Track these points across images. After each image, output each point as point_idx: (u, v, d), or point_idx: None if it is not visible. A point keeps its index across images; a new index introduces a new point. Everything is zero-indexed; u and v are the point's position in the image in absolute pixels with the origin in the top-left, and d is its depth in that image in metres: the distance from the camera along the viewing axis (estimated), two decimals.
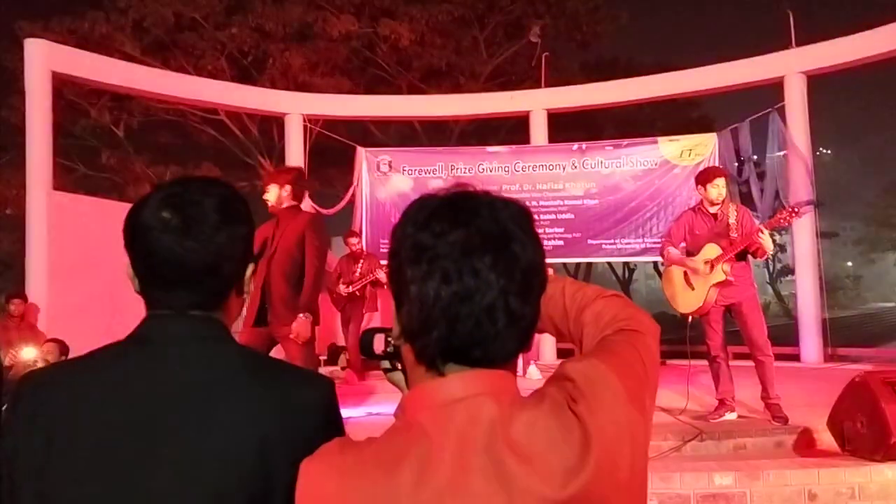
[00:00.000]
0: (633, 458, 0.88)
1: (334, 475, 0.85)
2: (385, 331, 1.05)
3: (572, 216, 10.23)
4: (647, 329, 1.05)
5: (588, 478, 0.82)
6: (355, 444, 0.88)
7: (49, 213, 8.11)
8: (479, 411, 0.84)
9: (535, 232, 0.92)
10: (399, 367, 1.01)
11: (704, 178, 5.45)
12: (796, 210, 5.29)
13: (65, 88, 11.51)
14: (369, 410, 6.11)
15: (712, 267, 5.18)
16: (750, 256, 5.31)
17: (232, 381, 1.07)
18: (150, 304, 1.13)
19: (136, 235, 1.11)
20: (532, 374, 7.72)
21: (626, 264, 26.19)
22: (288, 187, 4.73)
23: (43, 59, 8.50)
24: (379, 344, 1.06)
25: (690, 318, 5.46)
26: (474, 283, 0.84)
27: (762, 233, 5.03)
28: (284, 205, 4.74)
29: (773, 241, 5.60)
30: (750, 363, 5.28)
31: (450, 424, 0.84)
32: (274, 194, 4.73)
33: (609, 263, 24.35)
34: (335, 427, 1.14)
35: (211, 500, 1.01)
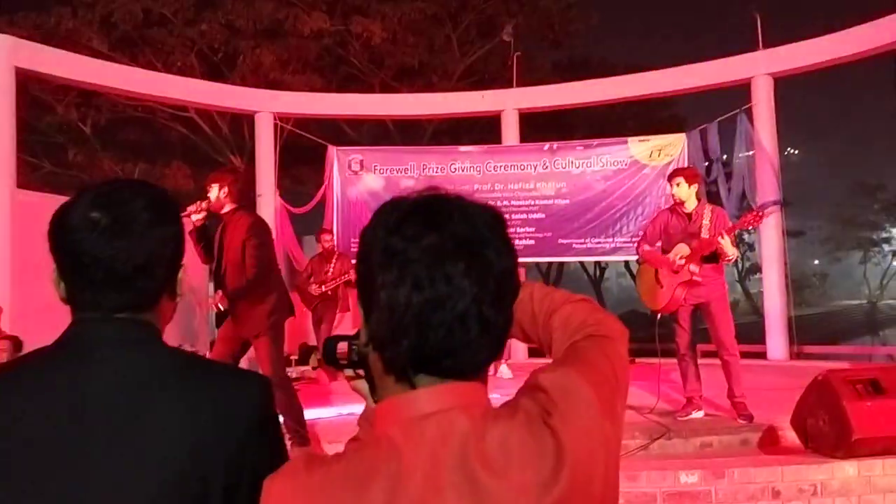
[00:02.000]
0: (606, 469, 0.87)
1: (301, 494, 0.82)
2: (349, 338, 1.02)
3: (543, 216, 10.27)
4: (617, 334, 1.04)
5: (562, 491, 0.81)
6: (322, 459, 0.85)
7: (13, 211, 7.97)
8: (451, 426, 0.82)
9: (508, 237, 0.90)
10: (363, 375, 0.99)
11: (670, 177, 5.56)
12: (760, 213, 5.36)
13: (30, 84, 11.30)
14: (340, 411, 6.09)
15: (681, 266, 5.25)
16: (723, 260, 5.37)
17: (162, 384, 1.06)
18: (77, 308, 1.10)
19: (63, 237, 1.08)
20: (503, 374, 7.74)
21: (597, 263, 26.35)
22: (225, 189, 4.75)
23: (7, 55, 8.34)
24: (343, 352, 1.04)
25: (659, 315, 5.53)
26: (447, 290, 0.82)
27: (722, 238, 5.09)
28: (226, 207, 4.78)
29: (742, 239, 5.68)
30: (718, 361, 5.34)
31: (421, 440, 0.82)
32: (213, 195, 4.76)
33: (581, 262, 24.50)
34: (270, 425, 1.13)
35: None
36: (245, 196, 4.84)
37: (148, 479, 1.00)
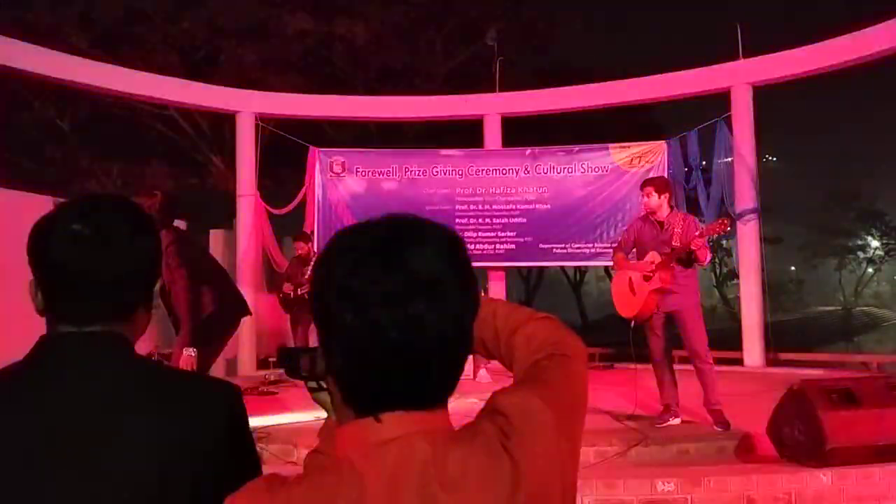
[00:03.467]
0: (563, 489, 0.89)
1: None
2: (310, 351, 1.01)
3: (524, 220, 10.30)
4: (576, 353, 1.05)
5: None
6: (283, 481, 0.85)
7: None
8: (412, 451, 0.83)
9: (467, 264, 0.90)
10: (325, 387, 0.98)
11: (641, 187, 5.66)
12: (725, 221, 5.40)
13: (8, 80, 11.15)
14: (318, 415, 6.05)
15: (652, 274, 5.31)
16: (696, 264, 5.44)
17: (130, 401, 1.07)
18: (53, 319, 1.12)
19: (45, 248, 1.10)
20: (483, 378, 7.75)
21: (577, 268, 26.46)
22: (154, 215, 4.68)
23: None
24: (305, 364, 1.03)
25: (633, 322, 5.59)
26: (408, 333, 0.82)
27: (698, 239, 5.15)
28: None
29: (720, 245, 5.76)
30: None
31: (382, 465, 0.82)
32: None
33: (561, 267, 24.60)
34: (240, 432, 1.14)
35: None
36: (170, 221, 4.75)
37: (116, 493, 1.01)
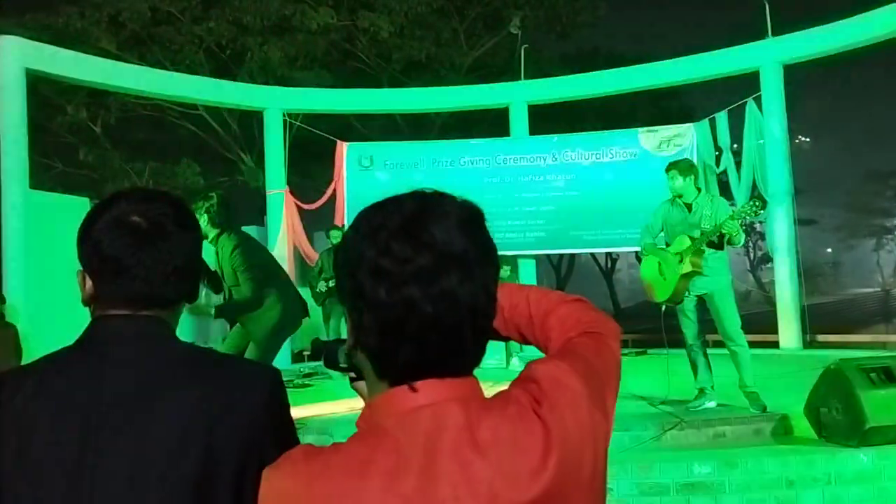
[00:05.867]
0: (595, 457, 0.90)
1: (301, 481, 0.84)
2: (345, 342, 1.02)
3: (553, 208, 10.26)
4: (609, 331, 1.07)
5: (551, 477, 0.84)
6: (320, 450, 0.87)
7: (26, 212, 8.03)
8: (446, 417, 0.85)
9: (487, 235, 0.93)
10: (363, 376, 0.99)
11: (666, 170, 5.56)
12: (758, 204, 5.32)
13: (40, 85, 11.36)
14: (352, 406, 6.11)
15: (682, 257, 5.26)
16: (728, 245, 5.37)
17: (177, 376, 1.12)
18: (104, 305, 1.16)
19: (100, 239, 1.14)
20: (516, 366, 7.73)
21: (608, 255, 26.30)
22: (205, 216, 4.82)
23: (17, 56, 8.40)
24: (343, 356, 1.06)
25: (664, 306, 5.55)
26: (441, 306, 0.85)
27: (729, 220, 5.08)
28: (210, 234, 4.90)
29: (753, 228, 5.70)
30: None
31: (416, 429, 0.84)
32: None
33: (592, 254, 24.46)
34: (280, 413, 1.17)
35: (159, 495, 1.05)
36: (225, 217, 4.87)
37: (163, 465, 1.05)
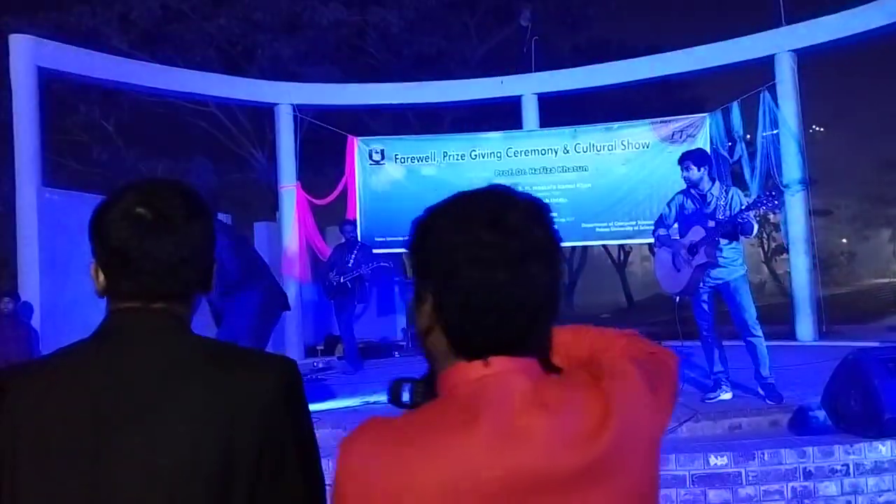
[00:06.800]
0: (650, 437, 0.98)
1: (387, 442, 0.90)
2: (412, 381, 1.08)
3: (565, 200, 10.22)
4: (666, 352, 1.16)
5: (610, 441, 0.91)
6: (392, 418, 0.95)
7: (40, 210, 8.08)
8: (511, 384, 0.93)
9: (555, 227, 1.03)
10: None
11: (679, 161, 5.53)
12: (774, 194, 5.28)
13: (52, 83, 11.42)
14: (366, 399, 6.12)
15: (696, 248, 5.22)
16: (742, 236, 5.34)
17: (193, 368, 1.12)
18: (118, 299, 1.16)
19: (108, 232, 1.14)
20: None
21: (621, 247, 26.15)
22: None
23: (29, 55, 8.44)
24: (406, 394, 1.09)
25: (678, 298, 5.51)
26: (525, 289, 0.94)
27: (744, 212, 5.05)
28: None
29: (768, 219, 5.67)
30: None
31: (486, 392, 0.92)
32: None
33: (604, 247, 24.35)
34: (298, 408, 1.17)
35: (174, 487, 1.05)
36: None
37: (178, 458, 1.05)
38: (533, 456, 0.88)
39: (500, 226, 0.95)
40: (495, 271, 0.93)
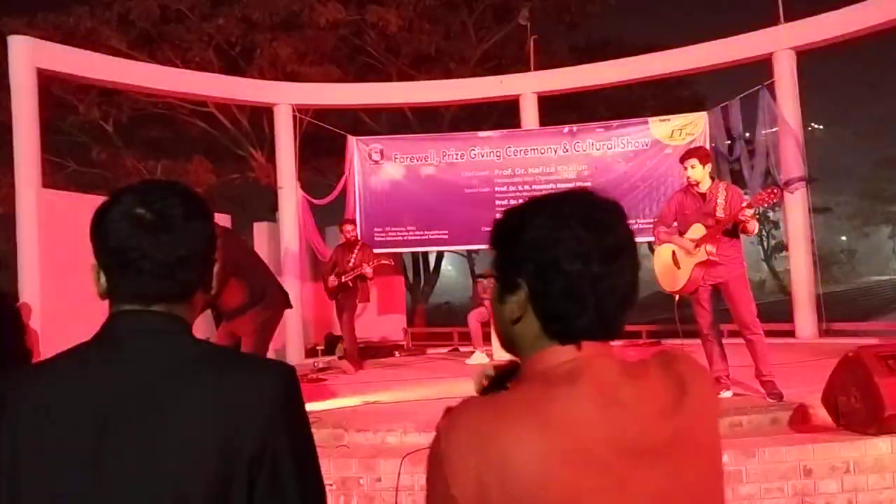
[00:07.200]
0: (715, 428, 1.12)
1: (488, 418, 0.98)
2: (496, 368, 1.23)
3: None
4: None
5: (686, 417, 1.05)
6: (489, 396, 1.06)
7: (39, 211, 8.08)
8: (604, 363, 1.06)
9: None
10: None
11: (681, 159, 5.52)
12: (775, 190, 5.29)
13: (52, 84, 11.41)
14: (365, 399, 6.12)
15: (697, 246, 5.22)
16: (742, 234, 5.34)
17: (192, 371, 1.12)
18: (118, 300, 1.17)
19: (108, 233, 1.15)
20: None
21: None
22: None
23: (28, 56, 8.43)
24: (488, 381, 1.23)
25: (677, 296, 5.51)
26: (618, 279, 1.07)
27: (747, 209, 5.04)
28: None
29: (767, 217, 5.66)
30: (743, 340, 5.29)
31: (582, 372, 1.03)
32: None
33: None
34: (295, 412, 1.17)
35: (173, 490, 1.05)
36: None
37: (174, 465, 1.06)
38: (632, 424, 1.00)
39: (593, 224, 1.07)
40: (591, 264, 1.05)
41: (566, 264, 1.05)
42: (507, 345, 1.14)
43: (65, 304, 7.62)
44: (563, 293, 1.06)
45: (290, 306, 5.66)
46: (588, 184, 10.19)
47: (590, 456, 0.97)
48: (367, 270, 8.20)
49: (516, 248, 1.09)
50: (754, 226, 5.16)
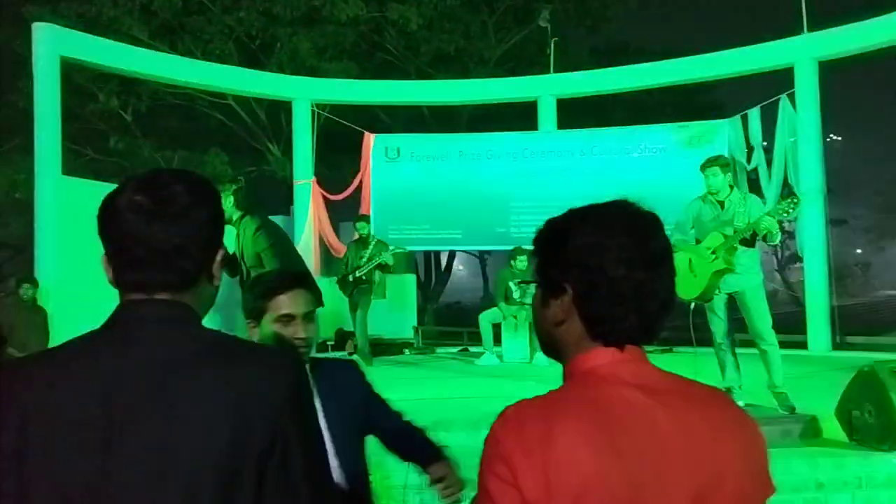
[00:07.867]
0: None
1: (549, 417, 1.04)
2: None
3: (581, 203, 10.17)
4: None
5: (728, 432, 1.13)
6: (538, 396, 1.10)
7: (58, 197, 8.13)
8: (641, 366, 1.13)
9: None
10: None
11: (702, 167, 5.48)
12: (794, 201, 5.24)
13: (73, 72, 11.48)
14: None
15: (715, 254, 5.19)
16: (761, 243, 5.31)
17: (200, 360, 1.12)
18: (124, 289, 1.17)
19: (110, 220, 1.16)
20: (538, 360, 7.73)
21: None
22: (230, 198, 5.16)
23: (51, 44, 8.49)
24: None
25: (693, 304, 5.48)
26: (659, 284, 1.13)
27: (768, 217, 5.00)
28: (234, 217, 5.21)
29: (782, 227, 5.60)
30: (757, 351, 5.26)
31: (622, 373, 1.10)
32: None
33: None
34: (302, 398, 1.17)
35: (182, 479, 1.05)
36: (249, 201, 5.29)
37: (186, 449, 1.05)
38: (674, 422, 1.07)
39: (636, 233, 1.13)
40: (635, 270, 1.11)
41: (611, 270, 1.10)
42: (549, 346, 1.20)
43: (81, 290, 7.67)
44: (608, 297, 1.11)
45: (321, 304, 5.68)
46: (606, 189, 10.18)
47: (642, 451, 1.04)
48: (388, 257, 8.20)
49: (562, 254, 1.15)
50: (777, 235, 5.12)
